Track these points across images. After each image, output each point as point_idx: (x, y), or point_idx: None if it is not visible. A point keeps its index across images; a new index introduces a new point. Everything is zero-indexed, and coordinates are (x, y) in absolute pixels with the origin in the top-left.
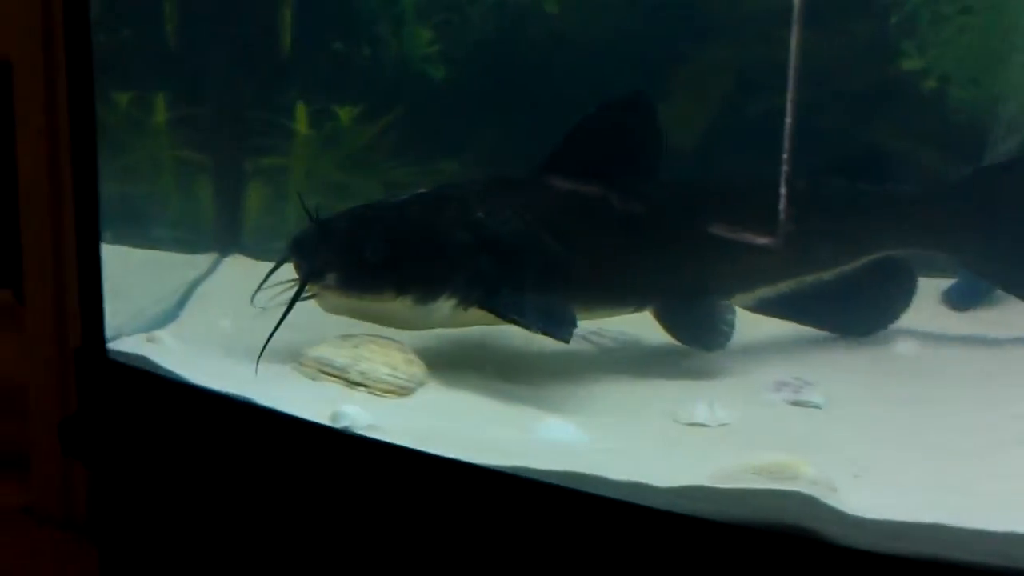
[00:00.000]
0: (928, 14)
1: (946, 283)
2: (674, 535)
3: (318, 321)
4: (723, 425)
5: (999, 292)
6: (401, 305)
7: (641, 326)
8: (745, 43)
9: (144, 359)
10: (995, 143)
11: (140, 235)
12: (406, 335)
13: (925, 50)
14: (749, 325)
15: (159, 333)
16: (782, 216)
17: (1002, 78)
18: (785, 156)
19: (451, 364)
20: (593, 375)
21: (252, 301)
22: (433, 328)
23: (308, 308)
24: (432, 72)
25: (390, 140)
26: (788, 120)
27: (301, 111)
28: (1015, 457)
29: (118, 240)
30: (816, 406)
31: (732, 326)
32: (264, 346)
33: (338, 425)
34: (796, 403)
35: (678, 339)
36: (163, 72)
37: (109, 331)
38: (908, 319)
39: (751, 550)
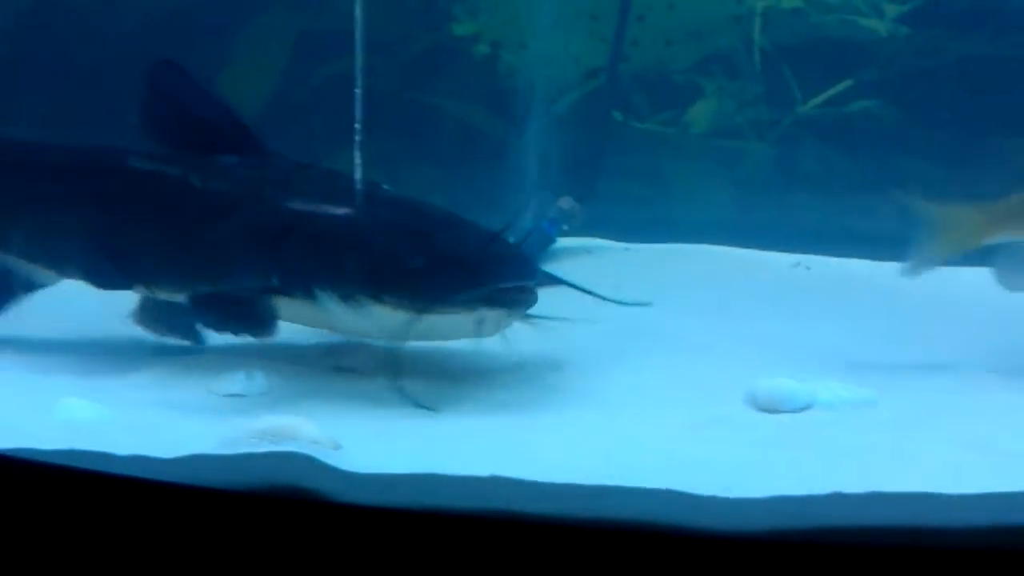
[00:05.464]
0: None
1: None
2: (176, 507)
3: None
4: (263, 394)
5: (552, 249)
6: None
7: None
8: (301, 7)
9: None
10: (548, 105)
11: None
12: None
13: (476, 15)
14: None
15: None
16: None
17: (550, 41)
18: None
19: None
20: (135, 350)
21: None
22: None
23: None
24: None
25: None
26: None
27: None
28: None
29: None
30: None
31: None
32: None
33: None
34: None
35: None
36: None
37: None
38: None
39: (248, 515)
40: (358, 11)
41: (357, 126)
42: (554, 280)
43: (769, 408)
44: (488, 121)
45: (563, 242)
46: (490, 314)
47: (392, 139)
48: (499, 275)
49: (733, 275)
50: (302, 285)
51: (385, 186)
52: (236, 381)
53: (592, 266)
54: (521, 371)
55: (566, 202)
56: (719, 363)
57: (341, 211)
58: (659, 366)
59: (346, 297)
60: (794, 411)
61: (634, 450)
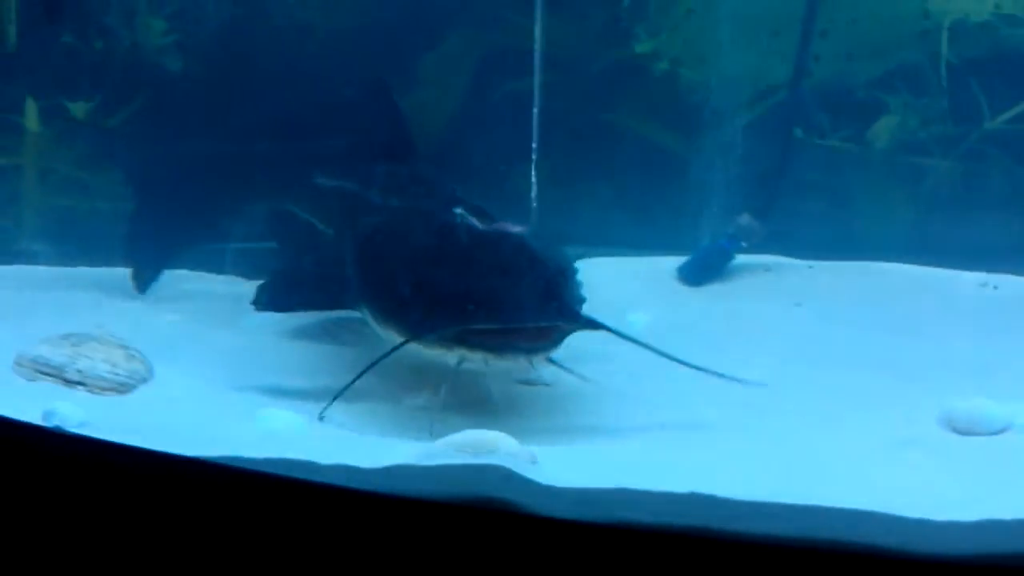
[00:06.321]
0: None
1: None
2: (379, 515)
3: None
4: (450, 408)
5: (731, 266)
6: None
7: None
8: (484, 30)
9: None
10: (727, 122)
11: None
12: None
13: (656, 33)
14: None
15: None
16: None
17: (730, 58)
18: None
19: (182, 358)
20: (323, 362)
21: None
22: None
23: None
24: (169, 63)
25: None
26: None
27: (31, 107)
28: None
29: None
30: (546, 384)
31: None
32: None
33: (49, 424)
34: (525, 382)
35: None
36: None
37: None
38: (645, 294)
39: (448, 525)
40: (537, 31)
41: (534, 144)
42: (598, 327)
43: (965, 430)
44: (667, 138)
45: (742, 259)
46: (472, 355)
47: (572, 156)
48: (473, 317)
49: (918, 293)
50: (358, 298)
51: (458, 209)
52: (425, 394)
53: (772, 283)
54: (702, 389)
55: (745, 219)
56: (908, 383)
57: (389, 234)
58: (848, 385)
59: (375, 316)
60: (991, 433)
61: (829, 470)
